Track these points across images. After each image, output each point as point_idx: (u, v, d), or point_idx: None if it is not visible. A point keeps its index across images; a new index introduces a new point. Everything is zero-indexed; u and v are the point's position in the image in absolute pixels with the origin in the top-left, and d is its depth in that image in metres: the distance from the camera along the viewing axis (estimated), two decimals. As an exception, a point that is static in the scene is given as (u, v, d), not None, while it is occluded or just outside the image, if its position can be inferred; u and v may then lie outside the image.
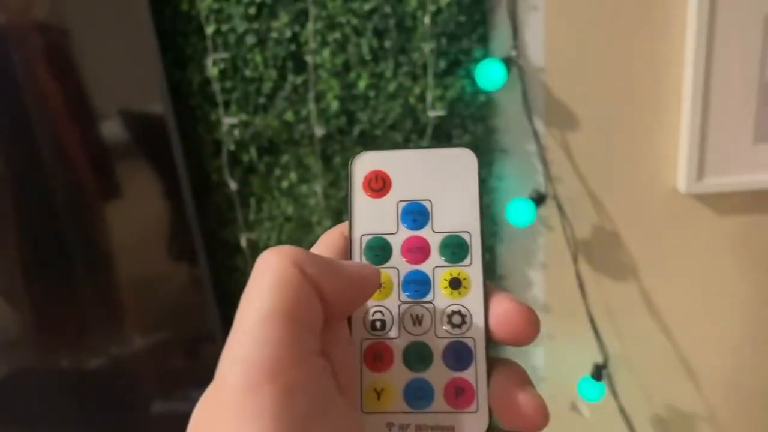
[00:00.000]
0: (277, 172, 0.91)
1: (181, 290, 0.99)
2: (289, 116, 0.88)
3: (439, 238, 0.27)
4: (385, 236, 0.28)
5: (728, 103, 0.84)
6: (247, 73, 0.86)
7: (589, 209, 0.93)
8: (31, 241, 0.97)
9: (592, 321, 0.95)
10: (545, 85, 0.87)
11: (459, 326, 0.26)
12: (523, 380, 0.26)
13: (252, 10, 0.83)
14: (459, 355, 0.26)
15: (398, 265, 0.27)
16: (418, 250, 0.27)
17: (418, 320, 0.27)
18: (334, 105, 0.86)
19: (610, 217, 0.93)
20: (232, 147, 0.90)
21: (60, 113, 0.89)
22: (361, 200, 0.28)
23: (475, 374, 0.26)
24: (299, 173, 0.91)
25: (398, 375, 0.27)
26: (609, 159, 0.90)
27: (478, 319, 0.26)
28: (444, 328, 0.27)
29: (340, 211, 0.92)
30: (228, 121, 0.88)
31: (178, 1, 0.83)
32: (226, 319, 0.99)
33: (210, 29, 0.84)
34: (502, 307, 0.26)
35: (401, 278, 0.27)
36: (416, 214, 0.28)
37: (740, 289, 0.96)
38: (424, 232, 0.28)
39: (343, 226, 0.29)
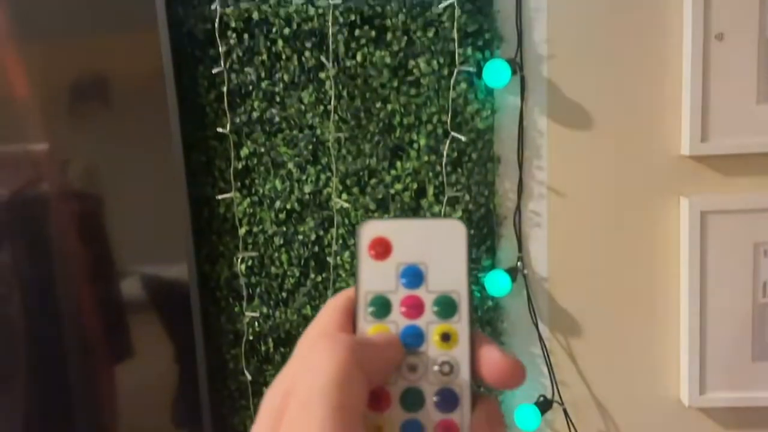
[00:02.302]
0: (292, 362, 0.95)
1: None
2: (307, 310, 0.93)
3: (433, 297, 0.31)
4: (386, 294, 0.31)
5: (725, 323, 0.88)
6: (273, 270, 0.93)
7: (595, 415, 0.94)
8: (39, 394, 0.99)
9: None
10: (549, 293, 0.93)
11: (448, 374, 0.30)
12: (495, 413, 0.30)
13: (282, 216, 0.92)
14: (448, 400, 0.30)
15: (397, 320, 0.31)
16: (414, 307, 0.31)
17: (413, 368, 0.30)
18: (351, 303, 0.92)
19: (615, 424, 0.94)
20: (251, 337, 0.94)
21: (88, 281, 0.96)
22: (366, 262, 0.32)
23: (461, 416, 0.30)
24: (313, 365, 0.94)
25: (395, 415, 0.30)
26: (612, 367, 0.93)
27: (465, 369, 0.30)
28: (435, 375, 0.30)
29: (350, 405, 0.94)
30: (250, 314, 0.93)
31: (217, 204, 0.93)
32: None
33: (242, 230, 0.92)
34: (492, 357, 0.30)
35: (399, 331, 0.31)
36: (413, 276, 0.32)
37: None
38: (420, 292, 0.31)
39: (346, 293, 0.33)
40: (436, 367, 0.30)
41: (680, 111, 0.87)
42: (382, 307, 0.31)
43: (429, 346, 0.31)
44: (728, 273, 0.88)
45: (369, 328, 0.31)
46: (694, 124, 0.85)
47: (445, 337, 0.30)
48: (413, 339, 0.31)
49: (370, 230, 0.32)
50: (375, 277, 0.32)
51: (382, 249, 0.32)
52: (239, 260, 0.93)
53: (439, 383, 0.30)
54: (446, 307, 0.31)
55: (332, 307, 0.32)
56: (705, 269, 0.88)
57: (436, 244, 0.32)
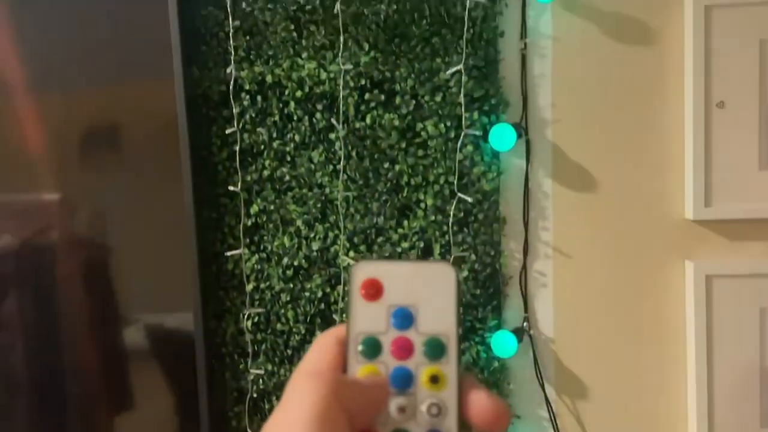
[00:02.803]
0: (296, 421, 0.94)
1: None
2: (312, 368, 0.93)
3: (423, 339, 0.32)
4: (376, 335, 0.32)
5: (732, 388, 0.87)
6: (279, 326, 0.93)
7: (603, 481, 0.92)
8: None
9: None
10: (555, 354, 0.93)
11: (436, 416, 0.30)
12: None
13: (289, 273, 0.93)
14: None
15: (387, 361, 0.32)
16: (404, 348, 0.31)
17: (402, 409, 0.30)
18: (356, 361, 0.92)
19: (624, 491, 0.92)
20: (255, 395, 0.94)
21: (93, 331, 0.96)
22: (357, 303, 0.32)
23: None
24: (316, 424, 0.93)
25: None
26: (620, 430, 0.92)
27: (452, 411, 0.31)
28: (423, 417, 0.31)
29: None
30: (255, 371, 0.93)
31: (225, 260, 0.94)
32: None
33: (250, 286, 0.93)
34: (479, 400, 0.31)
35: (389, 372, 0.31)
36: (403, 317, 0.32)
37: None
38: (410, 333, 0.32)
39: (336, 330, 0.34)
40: (424, 409, 0.31)
41: (683, 176, 0.88)
42: (372, 347, 0.32)
43: (418, 388, 0.31)
44: (735, 337, 0.87)
45: (359, 368, 0.32)
46: (698, 189, 0.86)
47: (434, 379, 0.31)
48: (402, 380, 0.31)
49: (363, 271, 0.33)
50: (366, 317, 0.32)
51: (373, 290, 0.32)
52: (245, 316, 0.93)
53: (427, 425, 0.31)
54: (435, 349, 0.31)
55: (321, 346, 0.33)
56: (711, 333, 0.87)
57: (426, 286, 0.32)
